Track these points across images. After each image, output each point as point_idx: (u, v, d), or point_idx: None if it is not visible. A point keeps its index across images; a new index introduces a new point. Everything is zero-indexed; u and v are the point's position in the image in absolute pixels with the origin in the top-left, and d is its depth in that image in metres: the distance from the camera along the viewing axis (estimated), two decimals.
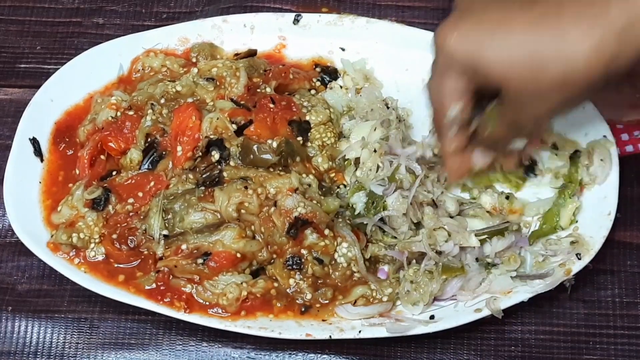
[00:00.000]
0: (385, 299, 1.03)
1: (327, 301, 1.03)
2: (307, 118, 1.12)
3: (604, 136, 1.10)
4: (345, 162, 1.10)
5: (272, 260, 1.05)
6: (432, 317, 1.02)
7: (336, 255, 1.04)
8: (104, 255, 1.06)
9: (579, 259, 1.03)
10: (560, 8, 0.82)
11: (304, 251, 1.03)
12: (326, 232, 1.04)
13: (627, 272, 1.10)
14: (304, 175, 1.07)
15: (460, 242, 1.03)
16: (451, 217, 1.06)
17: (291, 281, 1.03)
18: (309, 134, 1.11)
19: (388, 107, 1.13)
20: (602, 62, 0.80)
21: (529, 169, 1.11)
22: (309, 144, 1.11)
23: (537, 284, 1.03)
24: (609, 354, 1.05)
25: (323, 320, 1.02)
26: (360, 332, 1.01)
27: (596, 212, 1.06)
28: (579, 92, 0.84)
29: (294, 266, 1.03)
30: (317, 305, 1.03)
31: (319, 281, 1.04)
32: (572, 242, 1.05)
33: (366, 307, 1.03)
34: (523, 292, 1.02)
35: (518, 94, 0.86)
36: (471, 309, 1.02)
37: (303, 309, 1.03)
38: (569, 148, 1.11)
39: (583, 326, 1.07)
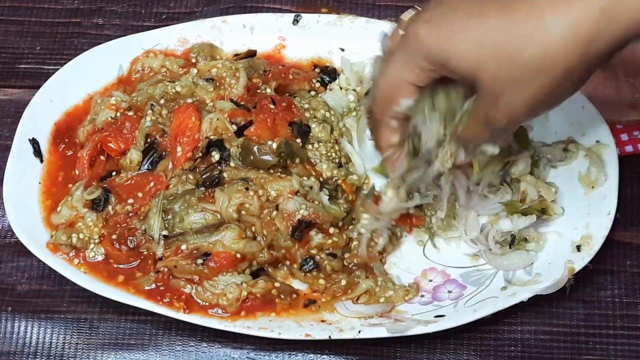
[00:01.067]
0: (382, 299, 1.03)
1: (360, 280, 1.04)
2: (310, 127, 1.12)
3: (597, 141, 1.09)
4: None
5: (279, 264, 1.05)
6: (439, 315, 1.02)
7: (359, 227, 1.05)
8: (104, 256, 1.06)
9: (579, 251, 1.04)
10: None
11: (313, 251, 1.03)
12: (331, 230, 1.04)
13: (627, 272, 1.10)
14: (304, 177, 1.07)
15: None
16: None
17: (321, 281, 1.04)
18: (310, 136, 1.11)
19: None
20: (580, 44, 0.75)
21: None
22: (310, 147, 1.11)
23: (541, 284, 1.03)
24: (609, 354, 1.05)
25: (322, 321, 1.02)
26: (359, 332, 1.01)
27: (596, 212, 1.06)
28: (557, 79, 0.78)
29: (311, 267, 1.03)
30: (322, 300, 1.04)
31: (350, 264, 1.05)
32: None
33: (366, 305, 1.03)
34: (523, 292, 1.02)
35: (490, 84, 0.80)
36: (471, 309, 1.02)
37: (306, 303, 1.04)
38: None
39: (583, 326, 1.07)
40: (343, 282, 1.04)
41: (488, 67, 0.79)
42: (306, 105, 1.13)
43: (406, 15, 0.93)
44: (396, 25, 0.93)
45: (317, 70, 1.19)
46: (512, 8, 0.78)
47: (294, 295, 1.05)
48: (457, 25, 0.81)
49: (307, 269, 1.03)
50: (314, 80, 1.18)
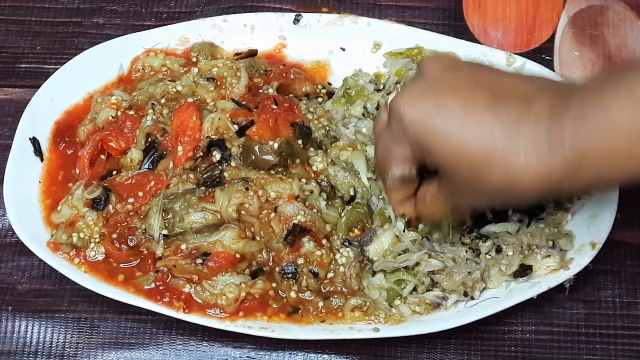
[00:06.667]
0: (382, 314, 1.03)
1: (340, 304, 1.03)
2: (311, 129, 1.12)
3: None
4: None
5: (271, 263, 1.05)
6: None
7: (337, 256, 1.04)
8: (104, 255, 1.06)
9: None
10: (519, 124, 0.81)
11: (300, 261, 1.03)
12: (324, 242, 1.04)
13: (627, 272, 1.10)
14: (304, 180, 1.07)
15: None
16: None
17: (292, 293, 1.03)
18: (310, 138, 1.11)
19: None
20: (544, 188, 0.81)
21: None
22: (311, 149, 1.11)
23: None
24: (610, 354, 1.05)
25: (322, 322, 1.02)
26: (360, 332, 1.01)
27: (597, 212, 1.06)
28: (518, 200, 0.91)
29: (289, 275, 1.03)
30: (308, 308, 1.03)
31: (326, 289, 1.04)
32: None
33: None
34: (523, 292, 1.02)
35: (459, 182, 0.86)
36: (472, 309, 1.02)
37: (290, 310, 1.03)
38: None
39: (583, 326, 1.07)
40: (320, 304, 1.03)
41: (462, 169, 0.85)
42: (312, 109, 1.14)
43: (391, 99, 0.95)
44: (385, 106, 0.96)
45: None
46: (495, 132, 0.82)
47: (284, 300, 1.04)
48: (443, 122, 0.84)
49: (284, 273, 1.03)
50: (319, 87, 1.18)
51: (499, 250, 1.05)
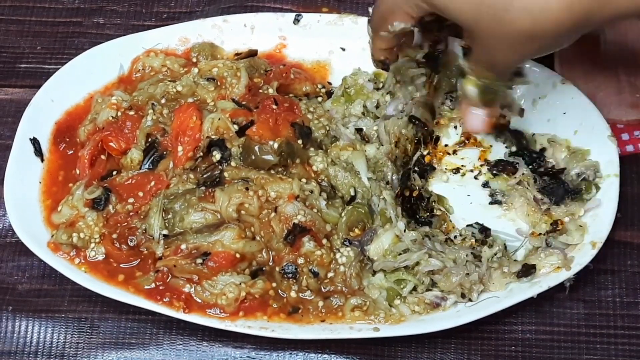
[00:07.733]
0: (382, 314, 1.03)
1: (340, 303, 1.03)
2: (311, 128, 1.12)
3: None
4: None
5: (271, 263, 1.05)
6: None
7: (337, 255, 1.04)
8: (104, 255, 1.06)
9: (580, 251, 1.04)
10: None
11: (300, 260, 1.03)
12: (324, 242, 1.04)
13: (627, 271, 1.10)
14: (304, 180, 1.07)
15: None
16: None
17: (292, 293, 1.03)
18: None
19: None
20: (572, 20, 0.79)
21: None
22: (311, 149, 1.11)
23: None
24: (609, 354, 1.05)
25: (322, 321, 1.02)
26: (360, 331, 1.01)
27: (597, 212, 1.06)
28: (546, 44, 0.85)
29: (289, 274, 1.03)
30: (308, 308, 1.03)
31: (326, 289, 1.04)
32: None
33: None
34: (523, 292, 1.02)
35: (486, 40, 0.86)
36: (472, 309, 1.02)
37: (290, 310, 1.03)
38: (560, 149, 1.11)
39: (583, 326, 1.07)
40: (320, 304, 1.03)
41: (484, 24, 0.84)
42: (312, 109, 1.14)
43: None
44: None
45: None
46: None
47: (284, 300, 1.04)
48: None
49: (284, 273, 1.03)
50: (319, 86, 1.18)
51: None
